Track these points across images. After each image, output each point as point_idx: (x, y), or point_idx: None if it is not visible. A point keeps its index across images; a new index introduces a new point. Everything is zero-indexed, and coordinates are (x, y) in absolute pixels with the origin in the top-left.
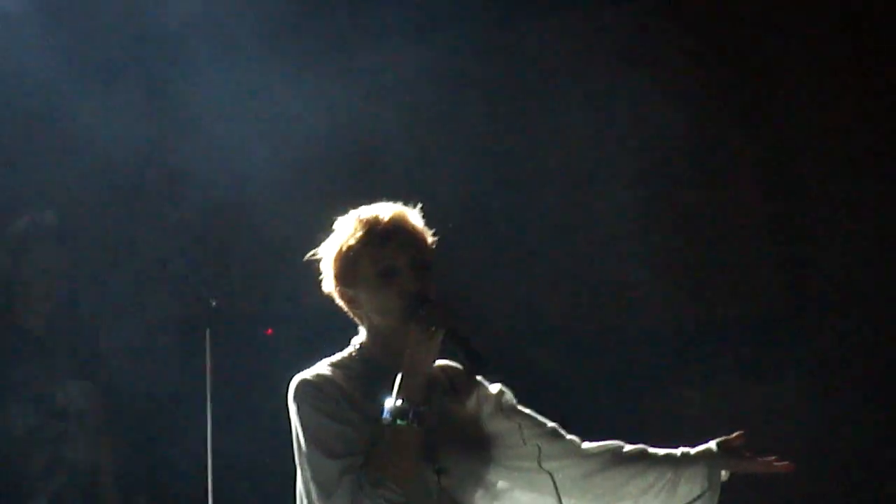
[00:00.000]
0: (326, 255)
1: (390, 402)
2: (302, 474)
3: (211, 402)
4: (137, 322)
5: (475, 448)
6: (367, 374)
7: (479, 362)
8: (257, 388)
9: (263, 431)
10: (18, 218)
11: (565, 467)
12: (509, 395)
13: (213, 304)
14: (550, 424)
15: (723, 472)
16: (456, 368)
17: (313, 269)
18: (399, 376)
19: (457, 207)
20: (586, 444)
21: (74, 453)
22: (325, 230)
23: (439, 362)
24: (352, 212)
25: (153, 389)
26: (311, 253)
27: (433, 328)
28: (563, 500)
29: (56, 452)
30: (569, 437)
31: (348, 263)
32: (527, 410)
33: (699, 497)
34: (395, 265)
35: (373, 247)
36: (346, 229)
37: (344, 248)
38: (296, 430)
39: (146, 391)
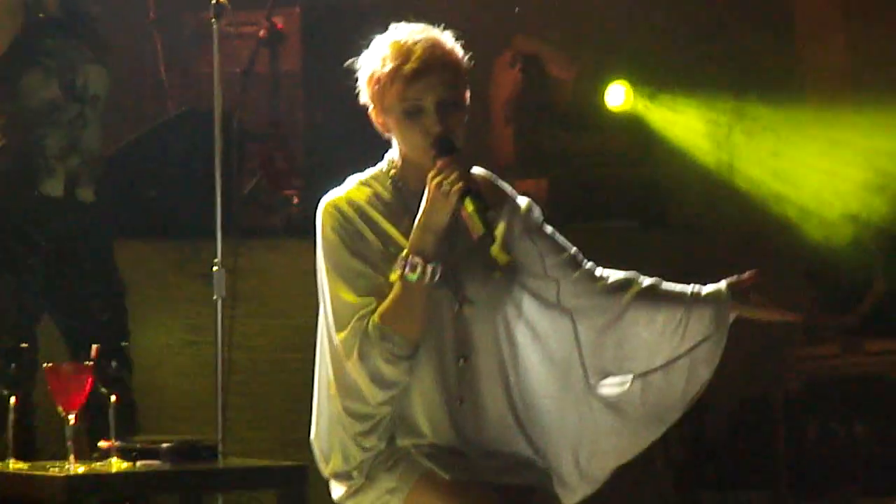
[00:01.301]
0: (361, 72)
1: (402, 256)
2: (322, 297)
3: None
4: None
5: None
6: (397, 199)
7: (489, 229)
8: None
9: None
10: None
11: (583, 310)
12: (537, 213)
13: None
14: (571, 251)
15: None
16: (487, 177)
17: None
18: (414, 227)
19: None
20: (602, 276)
21: (89, 137)
22: None
23: (472, 171)
24: (388, 32)
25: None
26: (351, 61)
27: (449, 186)
28: (581, 339)
29: (73, 134)
30: (587, 266)
31: (377, 92)
32: (549, 231)
33: (706, 339)
34: (420, 105)
35: (400, 83)
36: (379, 53)
37: (374, 76)
38: (319, 253)
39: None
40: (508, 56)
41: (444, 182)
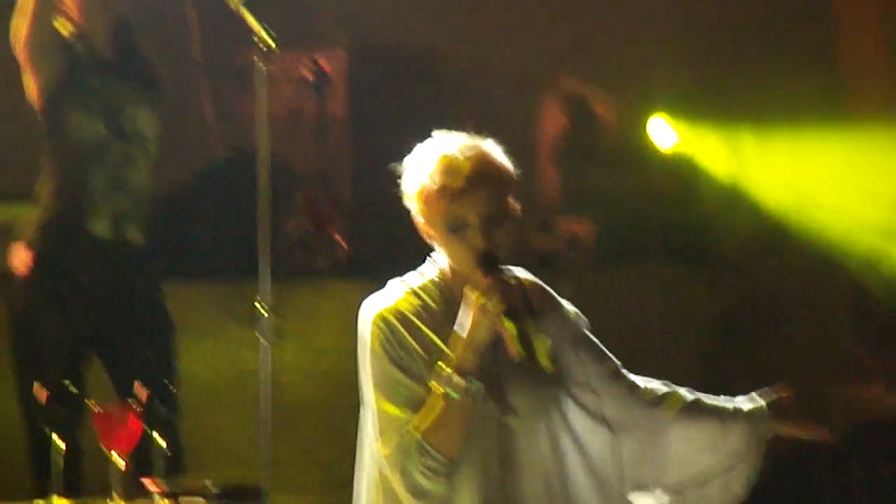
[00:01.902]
0: (407, 182)
1: (444, 373)
2: (363, 399)
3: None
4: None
5: (545, 382)
6: (445, 309)
7: (530, 351)
8: None
9: None
10: None
11: (623, 423)
12: (584, 322)
13: None
14: (614, 362)
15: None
16: (535, 284)
17: None
18: (456, 342)
19: None
20: (643, 388)
21: (136, 177)
22: None
23: (519, 274)
24: (435, 142)
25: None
26: (395, 165)
27: (491, 307)
28: (620, 451)
29: (119, 174)
30: (629, 378)
31: (423, 206)
32: (594, 341)
33: (742, 458)
34: (466, 221)
35: (446, 200)
36: (426, 168)
37: (421, 192)
38: (365, 360)
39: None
40: (554, 98)
41: (487, 302)
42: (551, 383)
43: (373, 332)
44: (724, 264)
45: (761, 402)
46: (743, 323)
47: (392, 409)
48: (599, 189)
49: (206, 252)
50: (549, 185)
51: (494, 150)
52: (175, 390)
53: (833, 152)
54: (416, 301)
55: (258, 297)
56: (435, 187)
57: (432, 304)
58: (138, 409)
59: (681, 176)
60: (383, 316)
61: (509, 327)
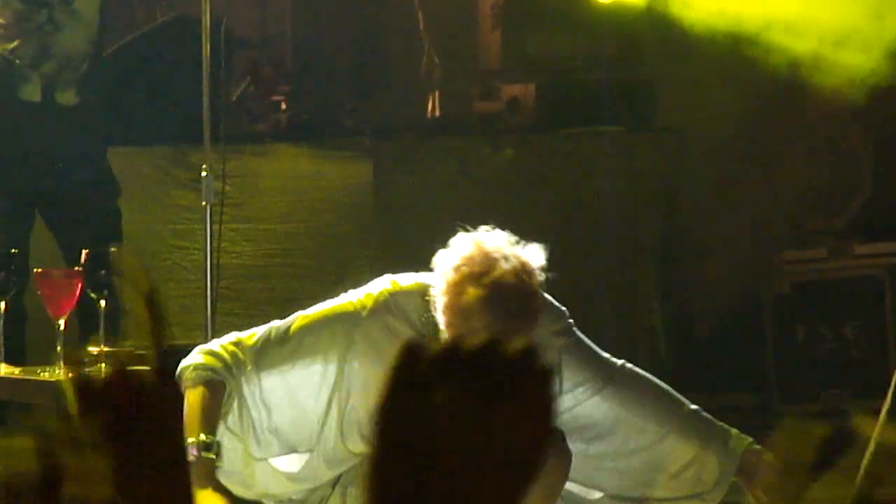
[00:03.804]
0: (442, 270)
1: (200, 440)
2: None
3: None
4: None
5: None
6: (424, 337)
7: None
8: None
9: None
10: None
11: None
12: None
13: None
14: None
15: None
16: (549, 314)
17: None
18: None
19: None
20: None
21: (64, 40)
22: None
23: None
24: (485, 250)
25: None
26: (440, 248)
27: None
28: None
29: (43, 40)
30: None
31: (443, 312)
32: (583, 352)
33: (699, 494)
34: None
35: (461, 335)
36: (468, 272)
37: (444, 299)
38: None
39: None
40: None
41: None
42: None
43: (366, 290)
44: (670, 127)
45: (740, 447)
46: (687, 188)
47: (263, 335)
48: (543, 52)
49: (148, 117)
50: (491, 48)
51: (535, 296)
52: (116, 253)
53: None
54: (413, 311)
55: (200, 162)
56: (459, 326)
57: (417, 321)
58: (81, 272)
59: (626, 37)
60: (387, 296)
61: None
